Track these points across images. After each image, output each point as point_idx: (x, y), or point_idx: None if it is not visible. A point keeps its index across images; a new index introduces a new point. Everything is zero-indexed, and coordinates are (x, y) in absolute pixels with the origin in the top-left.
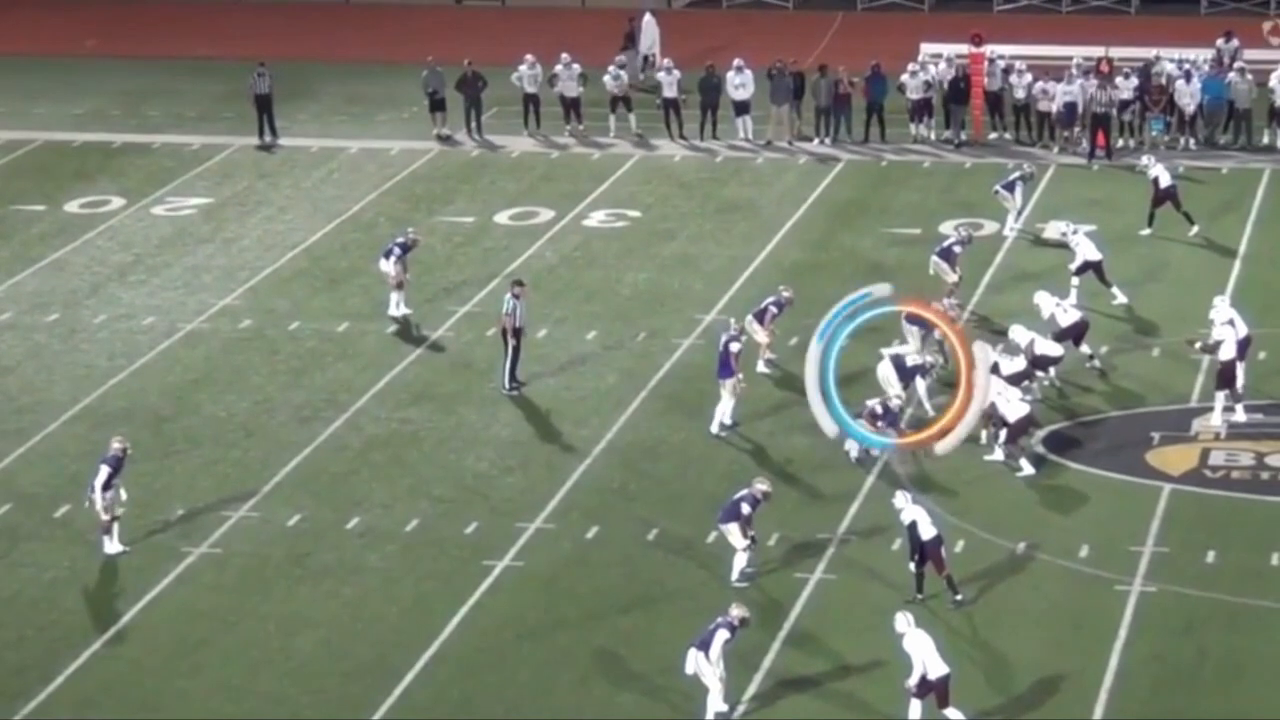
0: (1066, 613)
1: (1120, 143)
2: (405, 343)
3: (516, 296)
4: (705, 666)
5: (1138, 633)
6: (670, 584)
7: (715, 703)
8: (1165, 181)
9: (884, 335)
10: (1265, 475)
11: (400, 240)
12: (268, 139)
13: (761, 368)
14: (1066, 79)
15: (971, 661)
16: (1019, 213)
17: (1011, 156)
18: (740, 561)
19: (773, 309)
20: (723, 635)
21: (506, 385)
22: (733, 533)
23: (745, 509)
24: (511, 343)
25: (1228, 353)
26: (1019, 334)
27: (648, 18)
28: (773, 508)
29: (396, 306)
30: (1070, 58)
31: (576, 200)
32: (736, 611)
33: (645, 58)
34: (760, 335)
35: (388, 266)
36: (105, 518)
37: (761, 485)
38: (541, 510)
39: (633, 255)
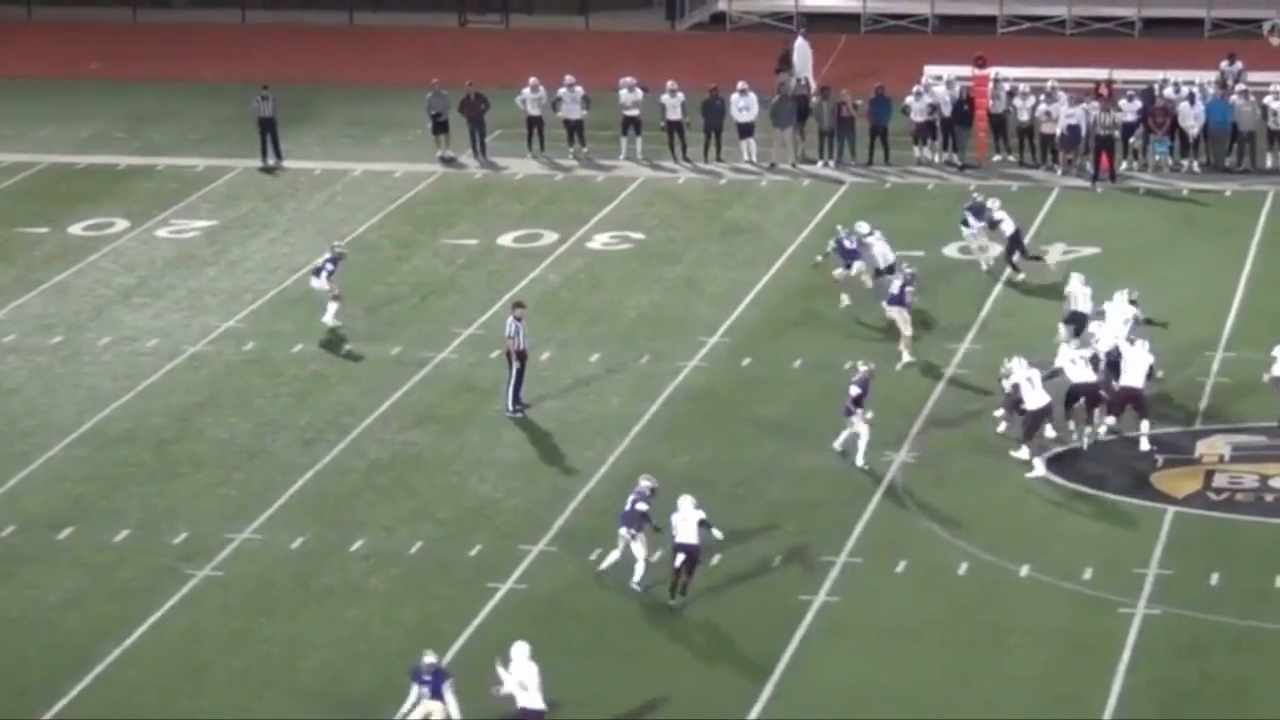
0: (1070, 635)
1: (1124, 165)
2: (408, 365)
3: (518, 319)
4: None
5: (1141, 655)
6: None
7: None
8: (1010, 229)
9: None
10: (1269, 498)
11: (329, 256)
12: (271, 161)
13: (907, 357)
14: (1056, 100)
15: (974, 683)
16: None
17: (1015, 179)
18: (639, 570)
19: (908, 291)
20: (642, 507)
21: (510, 408)
22: (638, 540)
23: (643, 507)
24: (515, 365)
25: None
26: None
27: (799, 40)
28: (777, 529)
29: (334, 317)
30: (1076, 80)
31: (580, 223)
32: (646, 482)
33: (801, 80)
34: (904, 322)
35: (320, 283)
36: None
37: (647, 481)
38: (545, 533)
39: (636, 278)
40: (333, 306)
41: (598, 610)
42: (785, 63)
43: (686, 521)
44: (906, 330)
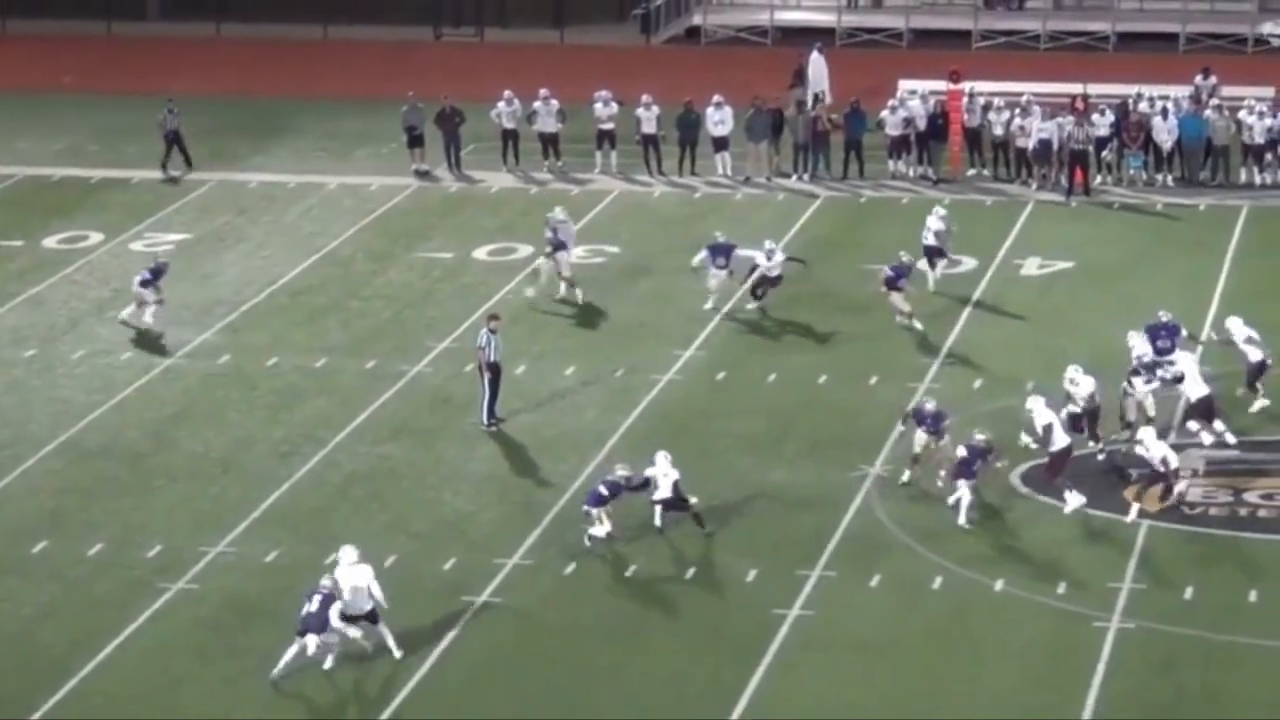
0: (1044, 649)
1: (1098, 179)
2: (383, 379)
3: (493, 331)
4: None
5: (1116, 669)
6: (648, 620)
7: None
8: (775, 272)
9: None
10: (1243, 512)
11: (152, 267)
12: (176, 172)
13: (917, 325)
14: (1031, 115)
15: (949, 697)
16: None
17: (989, 193)
18: (599, 532)
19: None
20: (338, 607)
21: (485, 421)
22: (602, 519)
23: (604, 491)
24: (488, 377)
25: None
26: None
27: (815, 55)
28: (751, 542)
29: (150, 316)
30: (1051, 94)
31: None
32: (327, 581)
33: (815, 95)
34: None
35: (144, 293)
36: None
37: (622, 470)
38: (520, 546)
39: (611, 291)
40: (150, 309)
41: (572, 624)
42: (799, 78)
43: (666, 478)
44: (904, 308)
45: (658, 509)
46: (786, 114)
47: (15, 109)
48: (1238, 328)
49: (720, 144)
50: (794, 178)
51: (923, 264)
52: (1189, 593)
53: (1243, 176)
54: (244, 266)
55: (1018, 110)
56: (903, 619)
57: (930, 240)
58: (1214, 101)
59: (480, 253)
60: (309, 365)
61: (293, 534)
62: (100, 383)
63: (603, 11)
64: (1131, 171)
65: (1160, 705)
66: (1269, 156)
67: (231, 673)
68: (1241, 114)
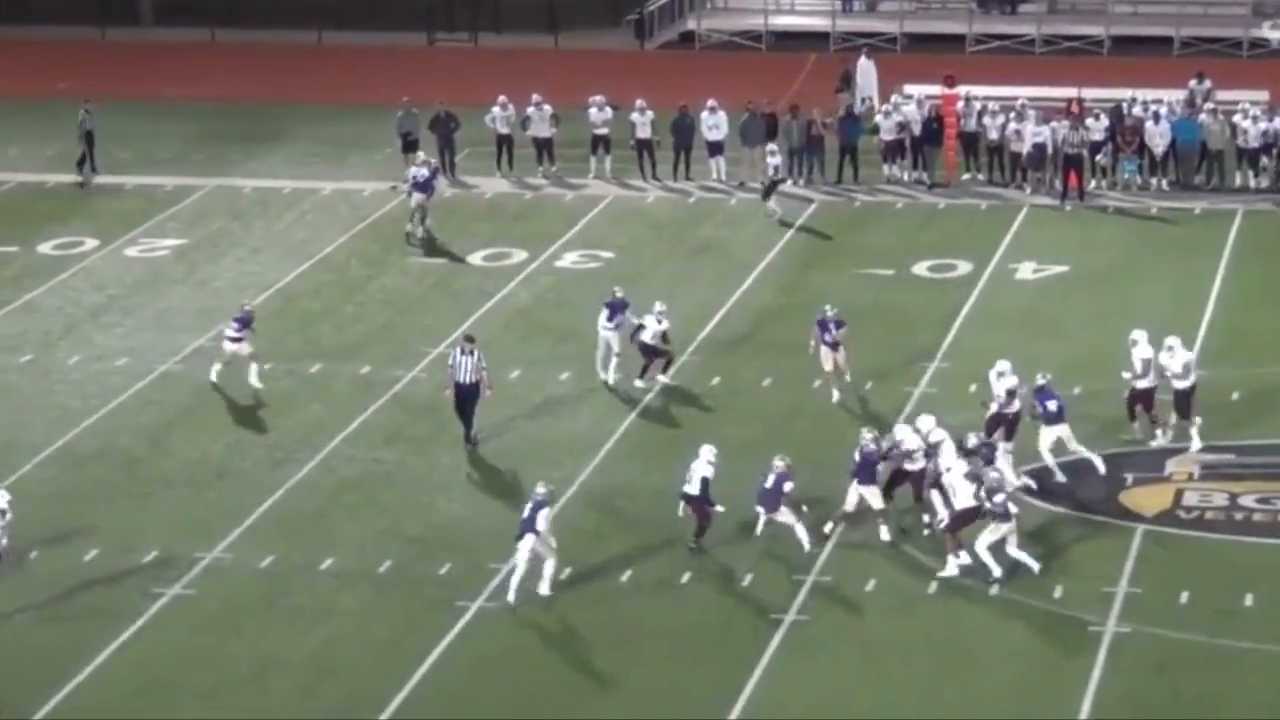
0: (1040, 654)
1: (1092, 184)
2: (378, 384)
3: (465, 352)
4: (541, 546)
5: (1111, 674)
6: (644, 625)
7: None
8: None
9: None
10: (1239, 516)
11: (238, 315)
12: (86, 176)
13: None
14: (1026, 119)
15: (944, 702)
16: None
17: (984, 197)
18: (801, 533)
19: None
20: (546, 513)
21: (466, 439)
22: (785, 514)
23: (788, 487)
24: (454, 399)
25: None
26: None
27: (863, 60)
28: (746, 548)
29: (257, 378)
30: (1045, 98)
31: (549, 241)
32: (543, 489)
33: (864, 99)
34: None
35: (235, 346)
36: None
37: (780, 461)
38: (515, 551)
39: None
40: (254, 367)
41: (567, 629)
42: (846, 82)
43: (695, 473)
44: (828, 366)
45: (682, 503)
46: (780, 119)
47: (9, 115)
48: (1002, 374)
49: (715, 149)
50: (788, 182)
51: (772, 203)
52: (1185, 597)
53: (1237, 180)
54: (238, 272)
55: (1013, 114)
56: (898, 624)
57: (771, 174)
58: (1209, 105)
59: (475, 258)
60: (303, 371)
61: (287, 539)
62: (95, 388)
63: (597, 17)
64: (1126, 175)
65: (1156, 709)
66: (1264, 160)
67: (226, 679)
68: (1236, 118)
